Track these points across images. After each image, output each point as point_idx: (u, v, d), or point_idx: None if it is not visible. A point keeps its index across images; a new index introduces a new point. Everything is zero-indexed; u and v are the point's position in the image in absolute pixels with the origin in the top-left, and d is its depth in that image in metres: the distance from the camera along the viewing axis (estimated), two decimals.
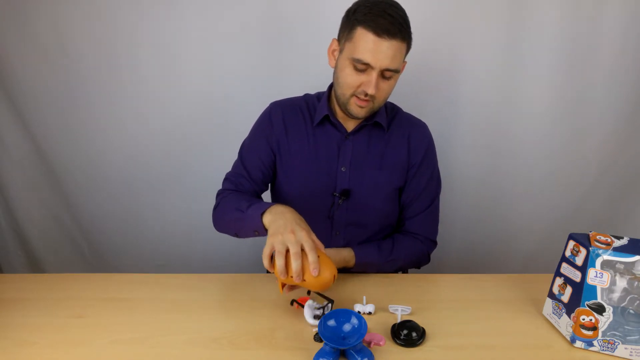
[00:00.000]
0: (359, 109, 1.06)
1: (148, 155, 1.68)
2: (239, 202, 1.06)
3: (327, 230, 1.19)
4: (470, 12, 1.45)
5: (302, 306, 0.97)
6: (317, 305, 0.97)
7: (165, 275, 1.15)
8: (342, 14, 1.04)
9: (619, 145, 1.63)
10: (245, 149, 1.23)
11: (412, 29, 1.45)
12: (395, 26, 0.96)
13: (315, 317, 0.95)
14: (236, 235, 1.09)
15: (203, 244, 1.76)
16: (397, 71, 1.01)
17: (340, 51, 1.04)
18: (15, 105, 1.61)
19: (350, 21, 1.00)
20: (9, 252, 1.88)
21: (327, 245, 1.19)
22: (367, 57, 0.98)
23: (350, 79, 1.02)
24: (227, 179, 1.22)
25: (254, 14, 1.47)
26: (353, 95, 1.04)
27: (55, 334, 0.94)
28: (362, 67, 0.99)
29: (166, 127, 1.63)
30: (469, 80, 1.54)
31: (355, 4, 1.02)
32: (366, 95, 1.02)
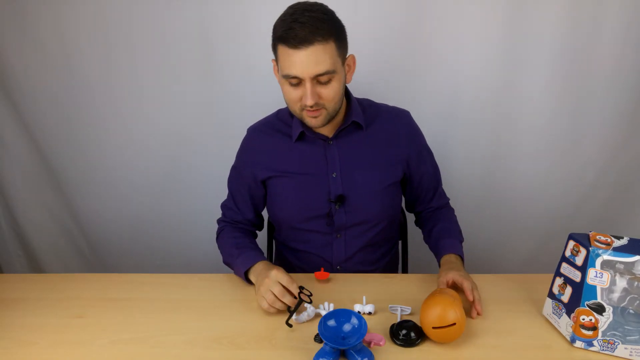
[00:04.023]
0: (313, 119, 1.05)
1: (148, 155, 1.67)
2: (231, 248, 1.17)
3: (328, 235, 1.18)
4: (468, 13, 1.45)
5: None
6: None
7: (165, 275, 1.16)
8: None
9: (619, 145, 1.62)
10: (231, 182, 1.26)
11: (411, 30, 1.47)
12: (308, 31, 0.93)
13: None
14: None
15: (203, 244, 1.76)
16: (330, 72, 0.98)
17: (278, 71, 1.04)
18: (15, 105, 1.61)
19: (273, 40, 1.01)
20: (9, 252, 1.88)
21: (330, 246, 1.19)
22: (292, 70, 0.97)
23: (291, 96, 1.02)
24: (222, 209, 1.29)
25: (253, 13, 1.47)
26: (302, 109, 1.04)
27: (55, 334, 0.94)
28: (294, 81, 0.99)
29: (166, 127, 1.63)
30: (468, 79, 1.54)
31: (276, 21, 1.01)
32: (311, 106, 1.01)
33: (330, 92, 1.01)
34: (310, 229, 1.18)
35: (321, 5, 1.00)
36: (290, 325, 0.95)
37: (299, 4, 1.00)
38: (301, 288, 0.98)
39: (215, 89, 1.57)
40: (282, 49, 0.97)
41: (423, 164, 1.23)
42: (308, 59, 0.95)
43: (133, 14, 1.48)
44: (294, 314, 0.95)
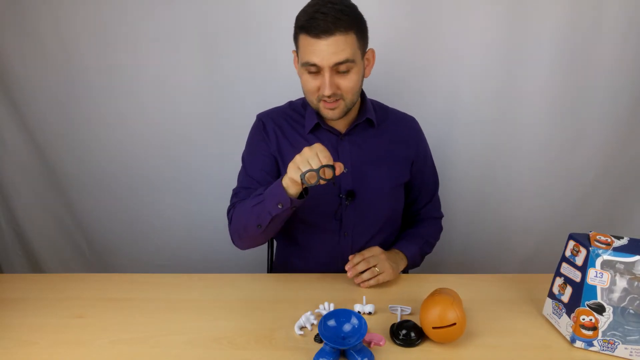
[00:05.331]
0: (330, 111, 1.06)
1: (148, 154, 1.67)
2: (256, 194, 1.07)
3: (336, 231, 1.18)
4: (469, 13, 1.45)
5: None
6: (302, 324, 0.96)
7: (165, 275, 1.16)
8: None
9: (619, 146, 1.62)
10: (247, 161, 1.22)
11: (411, 30, 1.47)
12: (330, 22, 0.95)
13: (301, 328, 0.95)
14: (259, 226, 1.04)
15: (203, 244, 1.76)
16: (349, 61, 0.99)
17: (298, 61, 1.05)
18: (15, 104, 1.61)
19: (295, 30, 1.02)
20: (9, 252, 1.88)
21: (336, 245, 1.20)
22: (312, 58, 0.98)
23: (309, 85, 1.03)
24: (236, 194, 1.19)
25: (254, 13, 1.47)
26: (319, 100, 1.04)
27: (55, 334, 0.94)
28: (313, 69, 1.00)
29: (166, 127, 1.63)
30: (468, 79, 1.54)
31: (299, 12, 1.02)
32: (329, 97, 1.02)
33: (349, 83, 1.02)
34: (318, 224, 1.18)
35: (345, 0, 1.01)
36: (334, 183, 0.94)
37: None
38: (332, 167, 0.92)
39: (215, 88, 1.57)
40: (304, 38, 0.99)
41: (424, 170, 1.26)
42: (328, 48, 0.96)
43: (133, 14, 1.47)
44: (305, 181, 0.92)
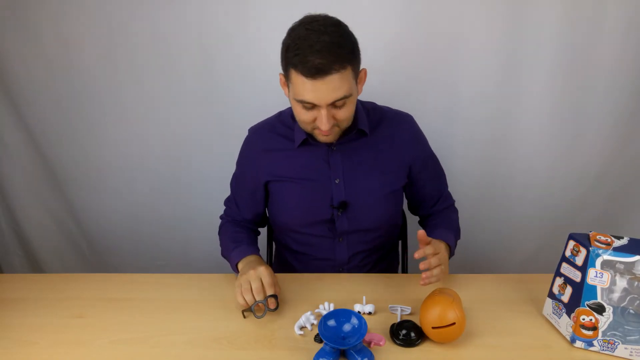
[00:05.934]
0: (325, 137, 1.04)
1: (148, 154, 1.67)
2: (228, 242, 1.18)
3: (329, 238, 1.18)
4: (469, 12, 1.45)
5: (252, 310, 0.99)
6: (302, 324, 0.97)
7: (165, 275, 1.16)
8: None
9: (619, 146, 1.62)
10: (234, 182, 1.27)
11: (411, 28, 1.47)
12: (327, 60, 0.89)
13: (301, 328, 0.96)
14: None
15: (203, 244, 1.76)
16: (346, 97, 0.96)
17: (287, 87, 1.01)
18: (15, 105, 1.61)
19: (285, 61, 0.97)
20: (9, 252, 1.87)
21: (331, 250, 1.20)
22: (308, 98, 0.94)
23: (303, 117, 1.00)
24: (225, 206, 1.30)
25: (253, 14, 1.47)
26: (314, 128, 1.03)
27: (55, 334, 0.95)
28: (308, 105, 0.97)
29: (166, 127, 1.63)
30: (468, 78, 1.54)
31: (288, 37, 0.96)
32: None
33: (345, 113, 1.00)
34: (312, 233, 1.18)
35: (335, 24, 0.95)
36: (244, 316, 0.99)
37: (312, 22, 0.94)
38: (275, 296, 0.99)
39: (215, 89, 1.57)
40: (297, 76, 0.93)
41: (426, 170, 1.22)
42: (325, 87, 0.92)
43: (133, 14, 1.47)
44: (254, 312, 0.98)
